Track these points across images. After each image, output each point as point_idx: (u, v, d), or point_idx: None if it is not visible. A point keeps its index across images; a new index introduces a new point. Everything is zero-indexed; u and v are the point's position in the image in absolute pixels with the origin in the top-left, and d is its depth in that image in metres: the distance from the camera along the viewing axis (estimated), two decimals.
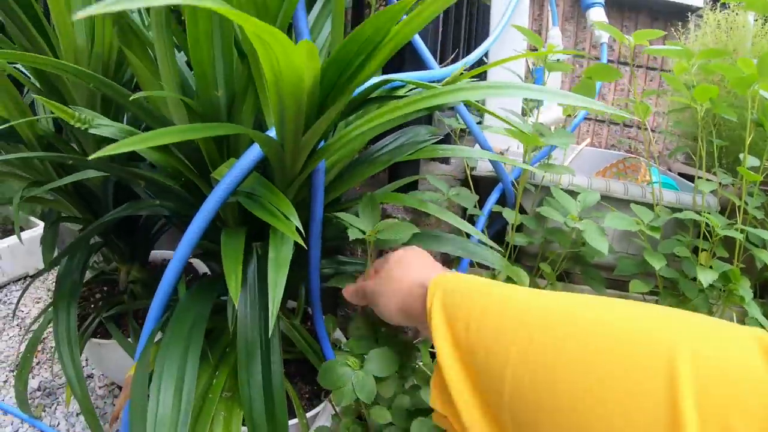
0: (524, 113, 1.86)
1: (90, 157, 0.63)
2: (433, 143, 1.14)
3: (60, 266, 1.36)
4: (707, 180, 1.44)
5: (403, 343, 1.03)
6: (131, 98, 0.81)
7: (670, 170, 2.16)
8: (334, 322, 1.26)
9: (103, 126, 0.91)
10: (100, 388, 1.71)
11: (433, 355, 1.10)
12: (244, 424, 0.87)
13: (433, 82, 1.01)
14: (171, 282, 0.88)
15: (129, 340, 1.41)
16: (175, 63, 0.92)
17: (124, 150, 0.64)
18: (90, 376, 1.77)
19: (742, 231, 1.36)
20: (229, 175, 0.84)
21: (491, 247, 1.10)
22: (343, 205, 1.11)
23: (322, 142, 0.90)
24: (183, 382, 0.82)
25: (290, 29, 0.83)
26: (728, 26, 2.01)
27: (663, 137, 2.96)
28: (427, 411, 0.93)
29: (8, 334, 1.98)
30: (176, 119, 0.94)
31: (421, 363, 1.04)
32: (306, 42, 0.61)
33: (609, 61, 2.96)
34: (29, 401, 1.59)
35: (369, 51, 0.71)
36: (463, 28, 1.77)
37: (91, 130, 0.89)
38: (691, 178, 1.96)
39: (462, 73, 0.98)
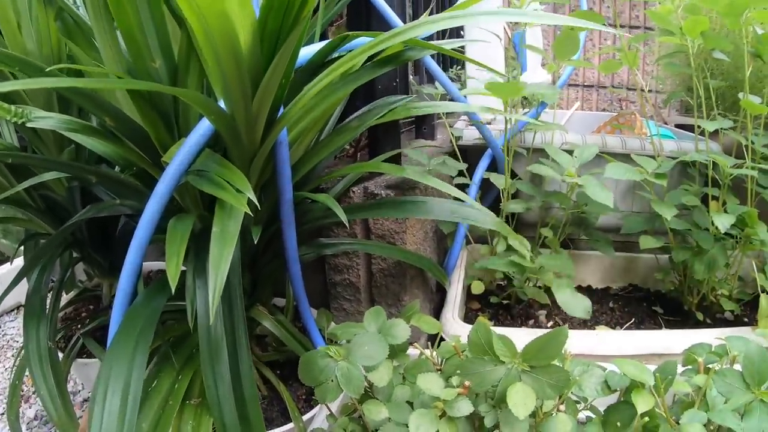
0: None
1: None
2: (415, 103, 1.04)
3: (30, 284, 1.30)
4: (709, 121, 1.35)
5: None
6: (48, 69, 0.72)
7: (666, 123, 2.07)
8: (329, 316, 1.17)
9: (40, 118, 0.83)
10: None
11: (432, 339, 1.01)
12: None
13: None
14: (128, 281, 0.82)
15: None
16: (117, 46, 0.83)
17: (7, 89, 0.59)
18: (86, 400, 1.69)
19: (752, 169, 1.27)
20: (178, 155, 0.76)
21: (484, 209, 1.01)
22: (317, 182, 1.02)
23: (282, 109, 0.81)
24: (129, 387, 0.72)
25: None
26: None
27: (654, 96, 2.87)
28: (429, 402, 0.83)
29: (4, 366, 1.93)
30: (123, 104, 0.86)
31: (418, 346, 0.94)
32: None
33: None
34: (27, 431, 1.56)
35: (294, 11, 0.62)
36: None
37: (29, 124, 0.81)
38: (689, 128, 1.86)
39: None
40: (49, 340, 1.22)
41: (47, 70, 0.76)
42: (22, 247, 2.28)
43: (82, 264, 1.61)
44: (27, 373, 1.20)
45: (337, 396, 0.79)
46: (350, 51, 0.85)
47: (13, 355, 1.98)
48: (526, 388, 0.75)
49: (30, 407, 1.69)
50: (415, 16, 1.53)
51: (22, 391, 1.76)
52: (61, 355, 1.29)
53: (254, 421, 0.76)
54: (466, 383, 0.79)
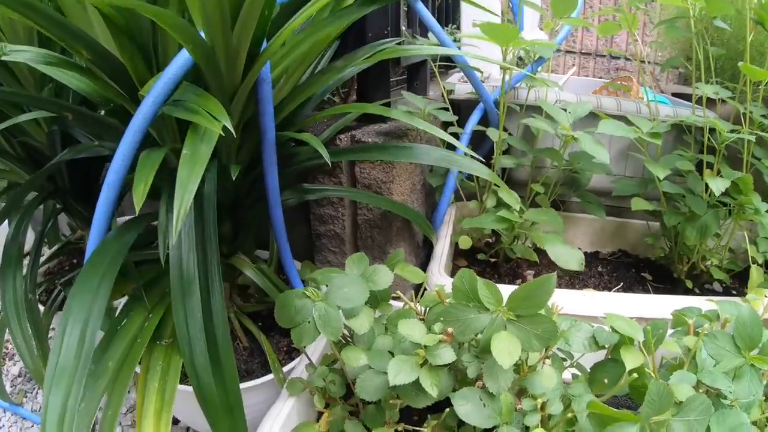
0: None
1: None
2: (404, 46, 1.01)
3: (8, 233, 1.26)
4: (708, 85, 1.33)
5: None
6: None
7: (662, 92, 2.04)
8: (312, 268, 1.14)
9: (15, 52, 0.81)
10: None
11: (417, 292, 0.99)
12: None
13: None
14: (103, 216, 0.78)
15: None
16: None
17: None
18: None
19: (750, 134, 1.24)
20: (156, 86, 0.72)
21: (477, 160, 0.98)
22: (300, 125, 0.99)
23: (265, 45, 0.78)
24: (88, 320, 0.70)
25: None
26: None
27: (653, 67, 2.84)
28: (410, 350, 0.80)
29: None
30: (101, 37, 0.82)
31: (401, 294, 0.92)
32: None
33: None
34: (10, 388, 1.55)
35: None
36: None
37: (4, 57, 0.80)
38: (685, 97, 1.84)
39: None
40: (29, 292, 1.19)
41: None
42: None
43: (66, 218, 1.59)
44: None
45: (314, 338, 0.76)
46: None
47: None
48: (512, 337, 0.73)
49: (14, 364, 1.68)
50: None
51: (6, 348, 1.74)
52: (42, 308, 1.27)
53: (226, 363, 0.73)
54: (449, 330, 0.76)
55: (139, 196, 0.62)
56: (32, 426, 1.43)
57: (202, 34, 0.71)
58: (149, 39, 0.80)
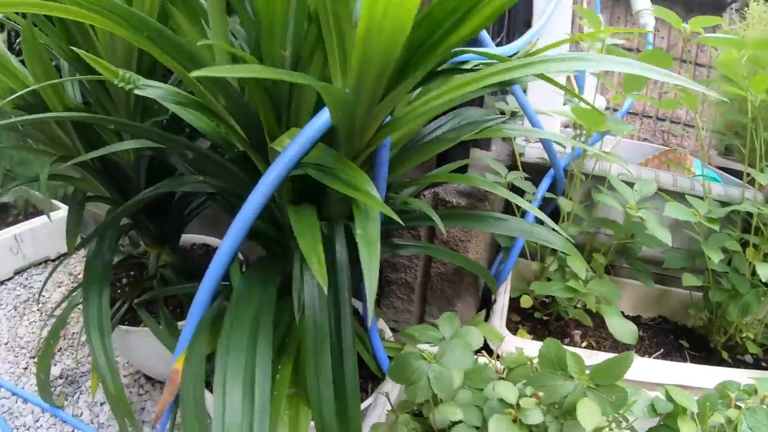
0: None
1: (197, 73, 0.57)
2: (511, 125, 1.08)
3: (90, 248, 1.30)
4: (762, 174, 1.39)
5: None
6: (200, 42, 0.74)
7: (709, 164, 2.10)
8: (378, 312, 1.21)
9: (149, 87, 0.82)
10: (124, 376, 1.66)
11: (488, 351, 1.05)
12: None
13: None
14: (223, 264, 0.81)
15: (160, 327, 1.35)
16: (226, 26, 0.86)
17: (220, 75, 0.62)
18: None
19: None
20: (294, 144, 0.77)
21: (554, 230, 1.04)
22: (401, 187, 1.05)
23: (390, 116, 0.85)
24: (254, 381, 0.73)
25: None
26: None
27: (707, 135, 2.90)
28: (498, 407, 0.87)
29: (29, 319, 1.93)
30: (231, 80, 0.87)
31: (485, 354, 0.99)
32: None
33: None
34: (51, 389, 1.53)
35: (465, 9, 0.64)
36: (505, 14, 1.71)
37: (138, 91, 0.81)
38: (730, 172, 1.90)
39: (533, 49, 0.92)
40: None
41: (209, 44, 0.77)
42: (56, 202, 2.32)
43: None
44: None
45: (428, 395, 0.83)
46: (459, 63, 0.88)
47: (39, 309, 1.99)
48: (593, 404, 0.80)
49: (55, 365, 1.69)
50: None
51: None
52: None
53: (352, 418, 0.79)
54: (539, 394, 0.83)
55: (320, 271, 0.67)
56: (72, 430, 1.45)
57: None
58: (285, 96, 0.85)
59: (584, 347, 1.46)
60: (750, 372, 1.27)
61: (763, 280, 1.27)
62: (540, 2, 1.81)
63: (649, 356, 1.51)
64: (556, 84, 0.85)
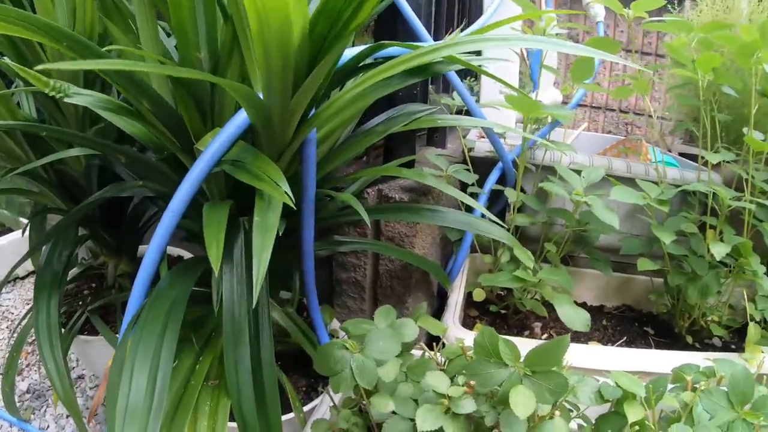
0: None
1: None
2: (440, 115, 1.08)
3: (41, 257, 1.31)
4: (713, 153, 1.40)
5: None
6: (106, 47, 0.75)
7: (669, 151, 2.12)
8: (331, 312, 1.20)
9: (79, 95, 0.83)
10: (90, 388, 1.66)
11: (433, 339, 1.05)
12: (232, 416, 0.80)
13: None
14: (153, 262, 0.82)
15: (117, 336, 1.35)
16: (156, 31, 0.87)
17: (77, 68, 0.64)
18: (81, 377, 1.72)
19: (750, 203, 1.31)
20: (214, 142, 0.78)
21: (496, 222, 1.05)
22: (335, 183, 1.06)
23: (313, 110, 0.85)
24: (158, 367, 0.75)
25: None
26: (725, 4, 1.98)
27: (661, 123, 2.92)
28: (432, 399, 0.86)
29: None
30: (157, 88, 0.88)
31: (423, 346, 0.98)
32: None
33: None
34: (18, 404, 1.54)
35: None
36: (457, 7, 1.72)
37: (67, 99, 0.81)
38: (691, 157, 1.92)
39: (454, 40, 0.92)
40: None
41: (103, 50, 0.77)
42: (23, 219, 2.32)
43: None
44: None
45: (351, 386, 0.83)
46: (386, 58, 0.89)
47: (8, 327, 1.99)
48: (527, 391, 0.79)
49: (23, 380, 1.69)
50: (437, 27, 1.57)
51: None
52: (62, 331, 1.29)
53: (271, 407, 0.79)
54: (471, 383, 0.83)
55: (215, 257, 0.68)
56: None
57: (261, 97, 0.78)
58: (207, 96, 0.86)
59: (545, 338, 1.46)
60: (717, 354, 1.27)
61: (717, 259, 1.27)
62: None
63: (613, 344, 1.52)
64: (470, 66, 0.86)
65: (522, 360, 0.83)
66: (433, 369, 0.91)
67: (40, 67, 0.62)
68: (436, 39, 1.56)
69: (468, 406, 0.81)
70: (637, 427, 0.86)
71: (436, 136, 1.60)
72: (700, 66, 1.33)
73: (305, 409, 1.07)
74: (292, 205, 0.68)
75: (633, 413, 0.87)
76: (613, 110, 3.05)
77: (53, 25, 0.73)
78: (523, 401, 0.78)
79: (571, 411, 0.94)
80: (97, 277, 1.65)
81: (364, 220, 0.92)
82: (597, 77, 2.72)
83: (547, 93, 2.01)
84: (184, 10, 0.75)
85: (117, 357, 0.78)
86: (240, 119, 0.79)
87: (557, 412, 0.88)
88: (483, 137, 1.61)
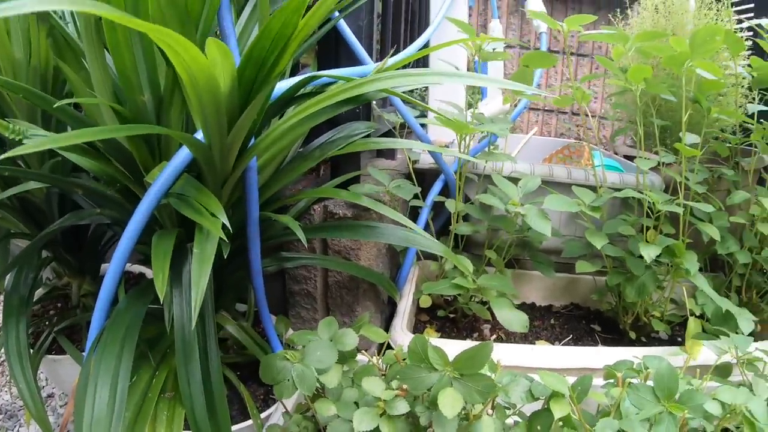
0: (470, 106, 1.88)
1: (7, 155, 0.64)
2: (375, 138, 1.15)
3: (8, 282, 1.34)
4: (647, 158, 1.47)
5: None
6: (55, 105, 0.81)
7: (616, 153, 2.20)
8: (287, 322, 1.27)
9: (37, 137, 0.90)
10: (61, 406, 1.70)
11: (389, 346, 1.12)
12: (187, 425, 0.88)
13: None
14: (111, 287, 0.89)
15: (83, 354, 1.40)
16: (106, 70, 0.92)
17: (40, 149, 0.66)
18: (51, 396, 1.76)
19: (684, 206, 1.39)
20: (159, 178, 0.85)
21: (440, 233, 1.12)
22: (281, 203, 1.12)
23: (253, 140, 0.92)
24: (117, 383, 0.82)
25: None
26: (667, 10, 2.03)
27: (612, 123, 3.00)
28: (373, 402, 0.94)
29: None
30: (109, 125, 0.94)
31: (365, 353, 1.05)
32: (214, 42, 0.62)
33: (554, 51, 3.01)
34: None
35: (281, 45, 0.72)
36: (403, 24, 1.78)
37: (25, 141, 0.87)
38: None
39: (385, 68, 0.99)
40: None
41: (55, 106, 0.83)
42: None
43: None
44: None
45: (293, 393, 0.90)
46: (322, 86, 0.96)
47: None
48: (455, 393, 0.87)
49: None
50: (383, 48, 1.64)
51: None
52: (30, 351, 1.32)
53: (221, 414, 0.87)
54: (404, 386, 0.90)
55: (161, 286, 0.75)
56: None
57: (201, 136, 0.85)
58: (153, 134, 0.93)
59: (494, 340, 1.53)
60: (659, 349, 1.35)
61: (648, 261, 1.34)
62: (435, 8, 1.90)
63: (560, 343, 1.59)
64: (402, 97, 0.93)
65: (451, 364, 0.91)
66: (374, 375, 0.98)
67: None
68: (382, 55, 1.63)
69: (401, 407, 0.89)
70: (560, 423, 0.94)
71: (386, 149, 1.66)
72: (632, 77, 1.41)
73: (262, 416, 1.13)
74: (227, 236, 0.74)
75: (559, 410, 0.94)
76: (566, 113, 3.13)
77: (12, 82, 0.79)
78: (450, 402, 0.85)
79: (508, 409, 1.02)
80: (62, 297, 1.67)
81: (312, 238, 0.99)
82: (546, 83, 2.80)
83: (496, 101, 2.08)
84: (125, 59, 0.81)
85: (82, 375, 0.85)
86: (183, 154, 0.86)
87: (490, 411, 0.96)
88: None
